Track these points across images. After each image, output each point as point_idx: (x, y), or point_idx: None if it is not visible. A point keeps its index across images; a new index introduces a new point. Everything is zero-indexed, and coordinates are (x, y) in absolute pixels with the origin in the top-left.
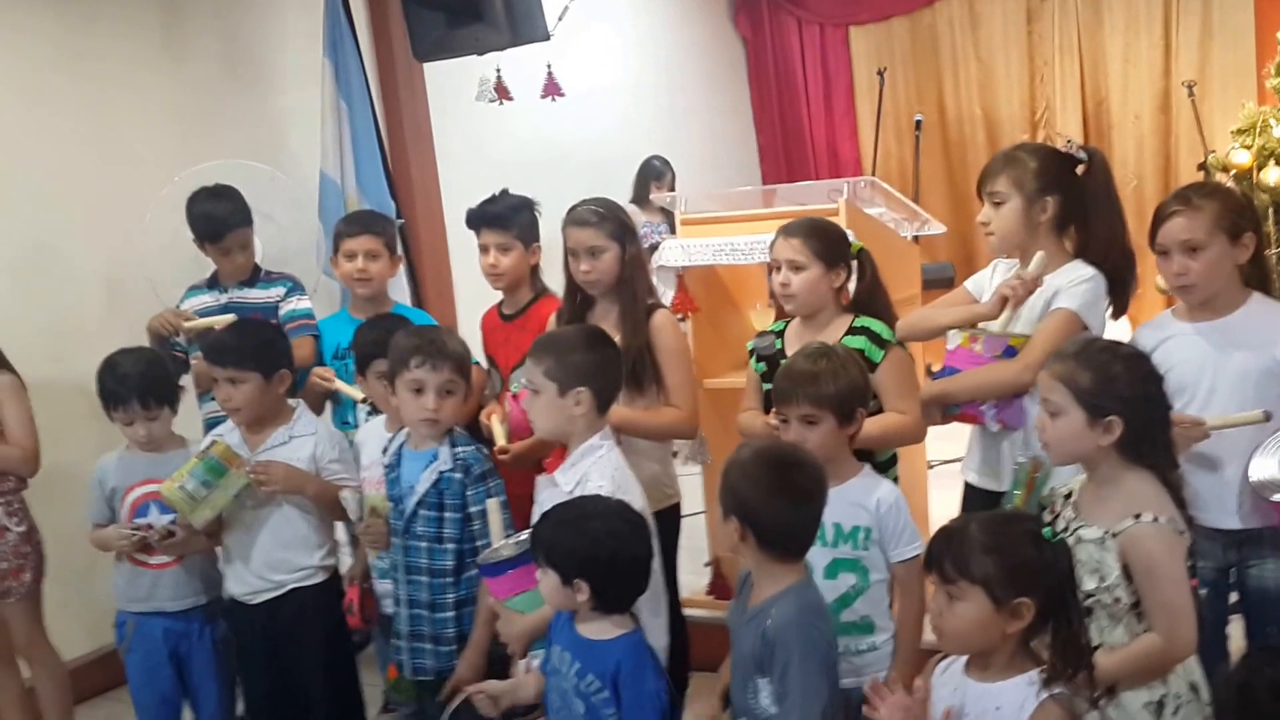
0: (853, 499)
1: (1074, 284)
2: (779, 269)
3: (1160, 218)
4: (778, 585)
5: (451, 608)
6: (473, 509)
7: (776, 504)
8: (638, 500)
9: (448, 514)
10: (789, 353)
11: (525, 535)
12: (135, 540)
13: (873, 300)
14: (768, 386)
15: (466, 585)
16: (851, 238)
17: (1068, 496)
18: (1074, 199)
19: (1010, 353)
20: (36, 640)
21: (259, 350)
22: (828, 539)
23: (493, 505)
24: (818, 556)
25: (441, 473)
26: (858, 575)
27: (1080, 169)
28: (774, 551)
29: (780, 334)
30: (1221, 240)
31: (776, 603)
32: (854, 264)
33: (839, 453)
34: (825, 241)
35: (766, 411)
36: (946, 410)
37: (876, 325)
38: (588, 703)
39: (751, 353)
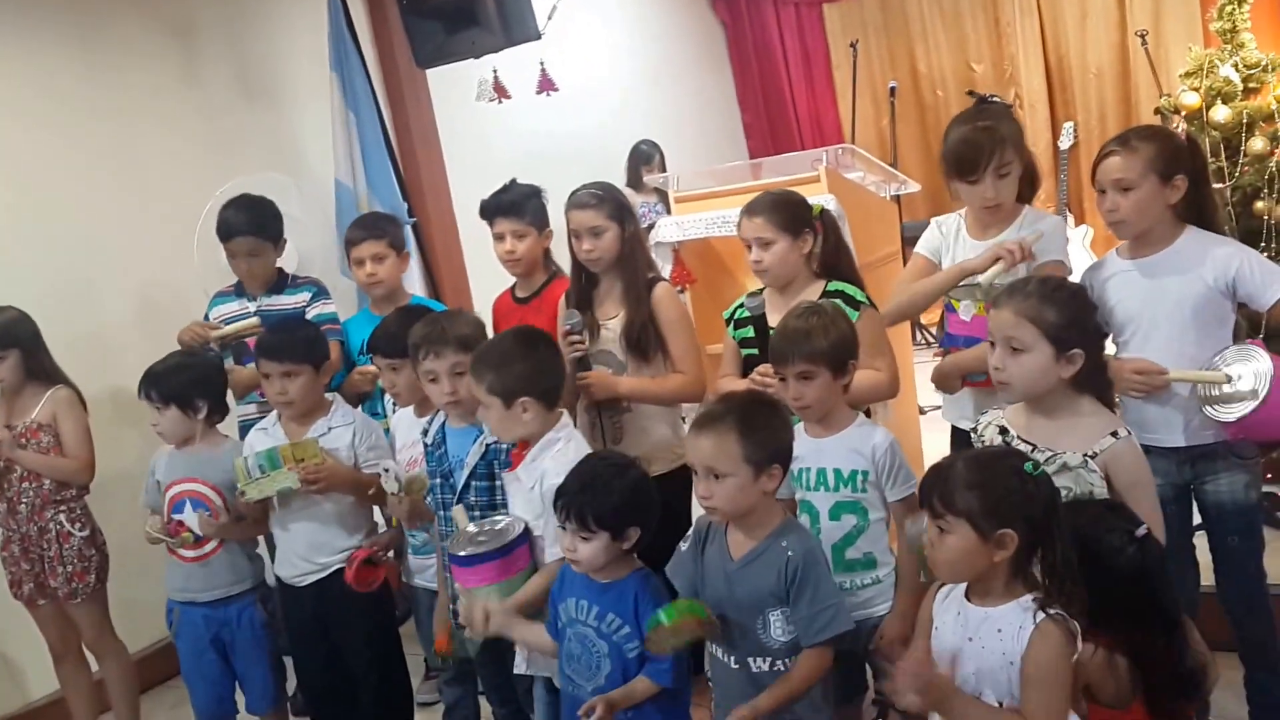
0: (850, 446)
1: (1050, 234)
2: (750, 248)
3: (1099, 158)
4: (768, 524)
5: None
6: None
7: (789, 434)
8: None
9: (499, 482)
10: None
11: (502, 525)
12: (162, 538)
13: (838, 260)
14: (747, 352)
15: None
16: (821, 201)
17: (1003, 432)
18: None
19: None
20: (104, 636)
21: (309, 344)
22: (829, 484)
23: (458, 511)
24: (821, 500)
25: (488, 445)
26: (858, 516)
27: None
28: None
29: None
30: (1153, 181)
31: (784, 536)
32: (818, 225)
33: (835, 404)
34: (786, 212)
35: (744, 377)
36: (968, 377)
37: (849, 289)
38: (610, 641)
39: (728, 321)
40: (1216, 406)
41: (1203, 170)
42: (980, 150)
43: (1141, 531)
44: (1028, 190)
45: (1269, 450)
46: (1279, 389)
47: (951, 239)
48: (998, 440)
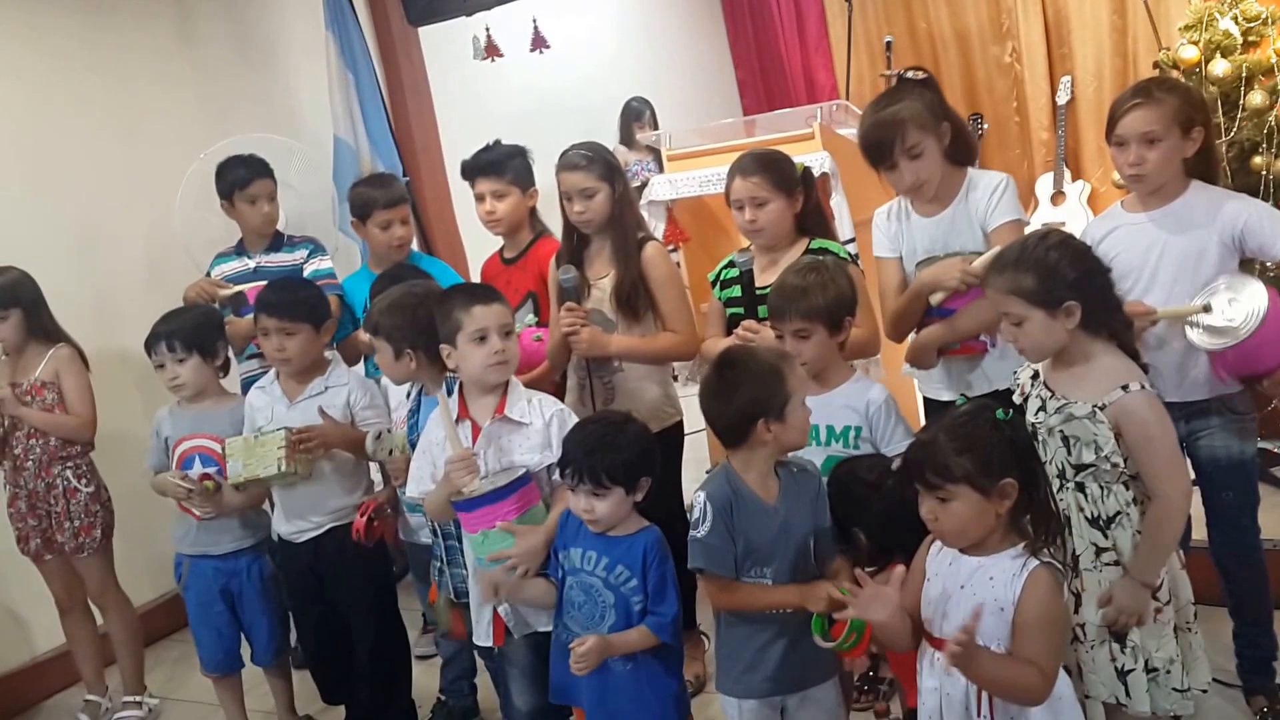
0: (844, 402)
1: (998, 193)
2: (742, 208)
3: (1121, 110)
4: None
5: None
6: None
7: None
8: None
9: None
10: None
11: (502, 472)
12: (187, 490)
13: (818, 218)
14: (732, 311)
15: None
16: (816, 158)
17: (1034, 376)
18: (948, 114)
19: None
20: (109, 589)
21: (309, 304)
22: (821, 439)
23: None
24: (814, 455)
25: None
26: None
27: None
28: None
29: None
30: (1176, 133)
31: (798, 463)
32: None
33: (831, 360)
34: (780, 171)
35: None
36: (944, 349)
37: (833, 246)
38: (617, 592)
39: (714, 282)
40: (1205, 333)
41: (1210, 123)
42: (882, 140)
43: (896, 465)
44: (964, 153)
45: (1264, 406)
46: (1275, 313)
47: (900, 223)
48: (1029, 384)
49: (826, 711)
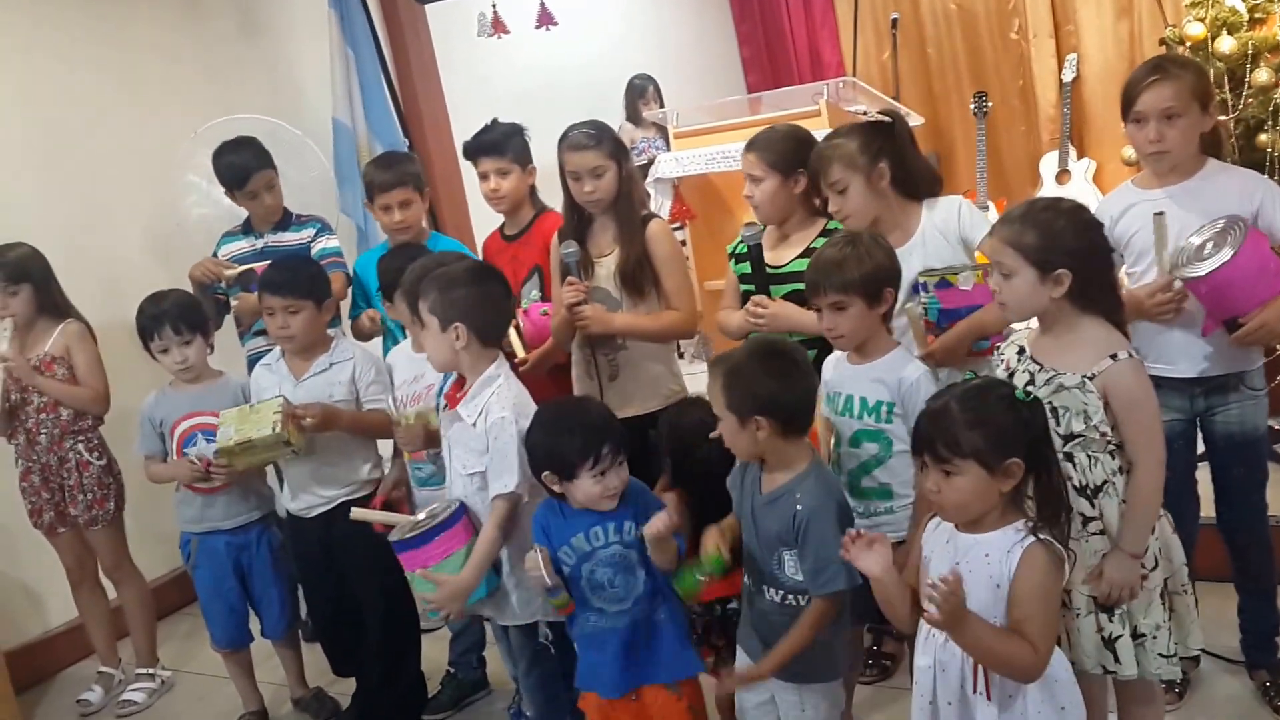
0: (877, 375)
1: (964, 211)
2: (746, 183)
3: (1139, 87)
4: (794, 467)
5: None
6: None
7: (781, 387)
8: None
9: None
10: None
11: (435, 506)
12: (198, 472)
13: None
14: (746, 288)
15: None
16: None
17: (1020, 352)
18: (895, 155)
19: None
20: (122, 563)
21: (311, 282)
22: (854, 411)
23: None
24: (845, 426)
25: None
26: (880, 445)
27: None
28: (789, 433)
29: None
30: (1195, 109)
31: (801, 487)
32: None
33: (872, 333)
34: (778, 151)
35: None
36: (975, 346)
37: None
38: (637, 549)
39: (731, 256)
40: (1188, 268)
41: (1215, 100)
42: (813, 171)
43: (714, 435)
44: (913, 188)
45: (1272, 380)
46: (1249, 245)
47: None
48: (1015, 359)
49: (813, 706)
